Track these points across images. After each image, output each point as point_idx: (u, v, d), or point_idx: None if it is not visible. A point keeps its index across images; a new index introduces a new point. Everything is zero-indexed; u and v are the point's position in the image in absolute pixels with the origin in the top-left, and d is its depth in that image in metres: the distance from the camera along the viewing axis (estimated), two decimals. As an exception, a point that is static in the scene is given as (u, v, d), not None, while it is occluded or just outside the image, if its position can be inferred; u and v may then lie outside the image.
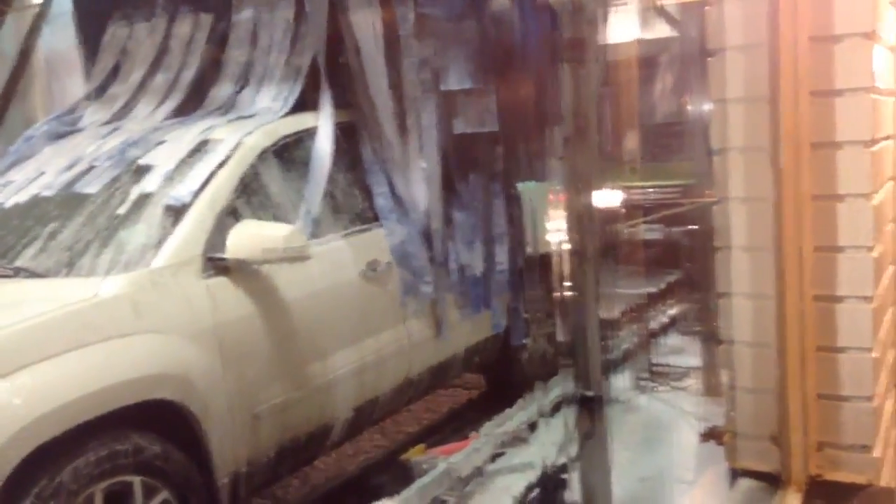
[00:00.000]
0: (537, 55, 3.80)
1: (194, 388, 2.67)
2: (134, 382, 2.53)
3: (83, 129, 3.79)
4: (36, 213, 3.09)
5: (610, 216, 4.78)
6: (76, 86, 4.50)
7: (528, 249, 4.08)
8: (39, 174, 3.33)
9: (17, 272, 2.79)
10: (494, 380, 4.46)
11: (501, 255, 3.93)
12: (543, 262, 4.30)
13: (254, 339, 2.90)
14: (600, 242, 3.46)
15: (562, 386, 3.68)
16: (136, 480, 2.49)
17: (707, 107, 3.06)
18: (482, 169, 3.77)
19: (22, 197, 3.21)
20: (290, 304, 3.02)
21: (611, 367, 4.11)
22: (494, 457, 3.22)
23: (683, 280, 4.63)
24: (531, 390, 4.05)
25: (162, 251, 2.78)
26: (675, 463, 3.14)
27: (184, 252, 2.81)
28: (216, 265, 2.83)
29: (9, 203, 3.21)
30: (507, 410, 3.66)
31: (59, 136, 3.74)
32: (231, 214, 2.98)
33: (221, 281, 2.84)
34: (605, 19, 3.34)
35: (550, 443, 3.00)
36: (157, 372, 2.59)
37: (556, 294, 4.46)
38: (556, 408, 3.79)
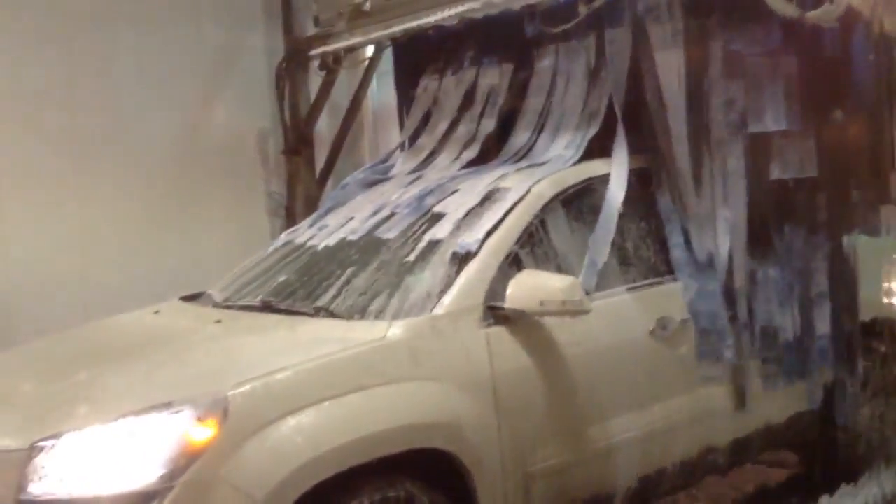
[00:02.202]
0: (871, 91, 3.26)
1: (467, 439, 2.62)
2: (409, 429, 2.54)
3: (392, 178, 4.01)
4: (340, 257, 3.28)
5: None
6: (397, 137, 4.83)
7: (860, 314, 3.53)
8: (349, 219, 3.55)
9: (318, 312, 2.97)
10: (811, 461, 3.87)
11: (823, 320, 3.41)
12: (881, 329, 3.69)
13: (531, 393, 2.79)
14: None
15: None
16: (405, 528, 2.49)
17: None
18: (800, 220, 3.31)
19: (332, 240, 3.44)
20: (570, 360, 2.86)
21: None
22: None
23: None
24: (857, 479, 3.48)
25: (444, 298, 2.78)
26: None
27: (465, 300, 2.79)
28: (496, 314, 2.78)
29: (321, 246, 3.47)
30: (825, 500, 3.21)
31: (371, 184, 3.99)
32: (514, 263, 2.91)
33: (500, 331, 2.77)
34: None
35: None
36: (432, 420, 2.58)
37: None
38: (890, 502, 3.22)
